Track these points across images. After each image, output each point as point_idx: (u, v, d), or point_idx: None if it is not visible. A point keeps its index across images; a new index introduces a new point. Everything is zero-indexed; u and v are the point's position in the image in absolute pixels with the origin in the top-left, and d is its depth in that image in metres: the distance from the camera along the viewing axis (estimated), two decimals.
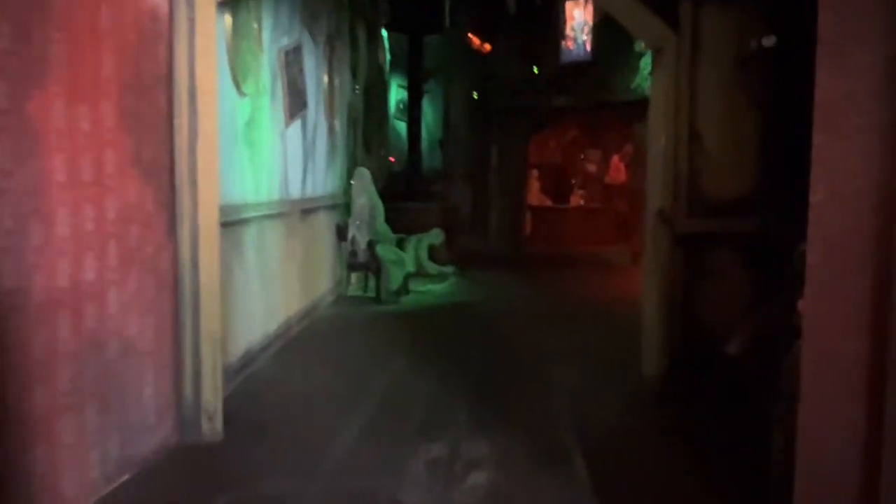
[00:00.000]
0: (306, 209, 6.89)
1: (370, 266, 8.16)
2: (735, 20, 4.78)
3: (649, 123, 5.00)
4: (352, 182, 8.37)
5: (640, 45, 11.82)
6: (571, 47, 12.41)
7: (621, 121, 15.54)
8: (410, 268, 8.39)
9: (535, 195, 15.55)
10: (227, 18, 4.58)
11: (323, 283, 7.66)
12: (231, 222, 4.76)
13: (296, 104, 6.33)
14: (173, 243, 3.63)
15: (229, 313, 4.75)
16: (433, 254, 9.78)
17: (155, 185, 3.52)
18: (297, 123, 6.48)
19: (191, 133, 3.61)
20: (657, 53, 4.87)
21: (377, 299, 8.00)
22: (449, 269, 9.91)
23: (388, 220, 8.55)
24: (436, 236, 9.79)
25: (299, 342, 6.04)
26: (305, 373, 5.17)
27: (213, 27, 3.79)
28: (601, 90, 11.85)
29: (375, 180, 8.71)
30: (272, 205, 5.73)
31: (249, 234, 5.17)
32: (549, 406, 4.51)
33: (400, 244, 8.68)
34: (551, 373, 5.19)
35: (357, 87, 9.13)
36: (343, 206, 8.42)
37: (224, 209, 4.56)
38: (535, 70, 12.38)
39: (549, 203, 16.03)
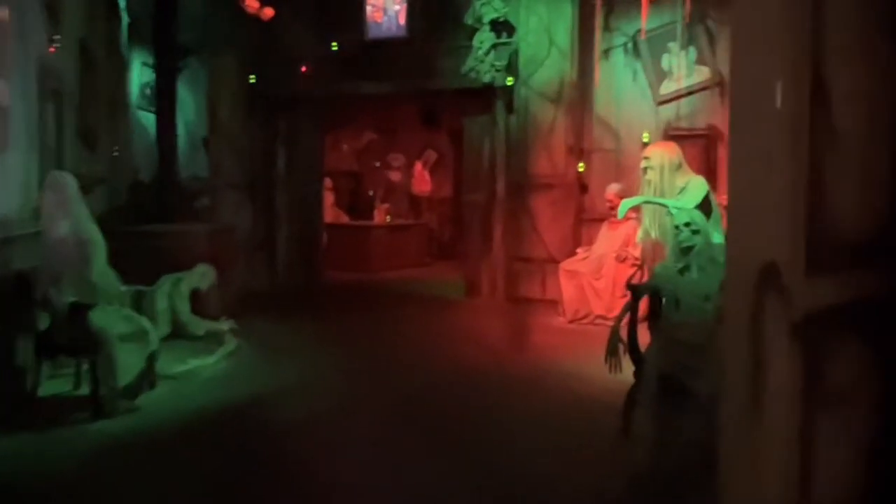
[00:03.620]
0: None
1: (78, 348, 4.56)
2: None
3: (733, 75, 2.11)
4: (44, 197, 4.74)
5: (471, 18, 9.34)
6: (380, 20, 9.56)
7: (423, 122, 13.28)
8: (156, 342, 4.89)
9: (328, 210, 12.49)
10: None
11: None
12: None
13: None
14: None
15: None
16: (199, 303, 6.47)
17: None
18: None
19: None
20: None
21: (95, 404, 4.45)
22: (223, 325, 6.63)
23: (115, 260, 4.97)
24: (201, 277, 6.51)
25: None
26: None
27: None
28: (422, 75, 9.14)
29: (99, 196, 5.15)
30: None
31: None
32: None
33: (138, 302, 5.15)
34: None
35: (58, 36, 5.46)
36: (30, 238, 4.77)
37: None
38: (335, 47, 9.37)
39: (345, 219, 13.07)
